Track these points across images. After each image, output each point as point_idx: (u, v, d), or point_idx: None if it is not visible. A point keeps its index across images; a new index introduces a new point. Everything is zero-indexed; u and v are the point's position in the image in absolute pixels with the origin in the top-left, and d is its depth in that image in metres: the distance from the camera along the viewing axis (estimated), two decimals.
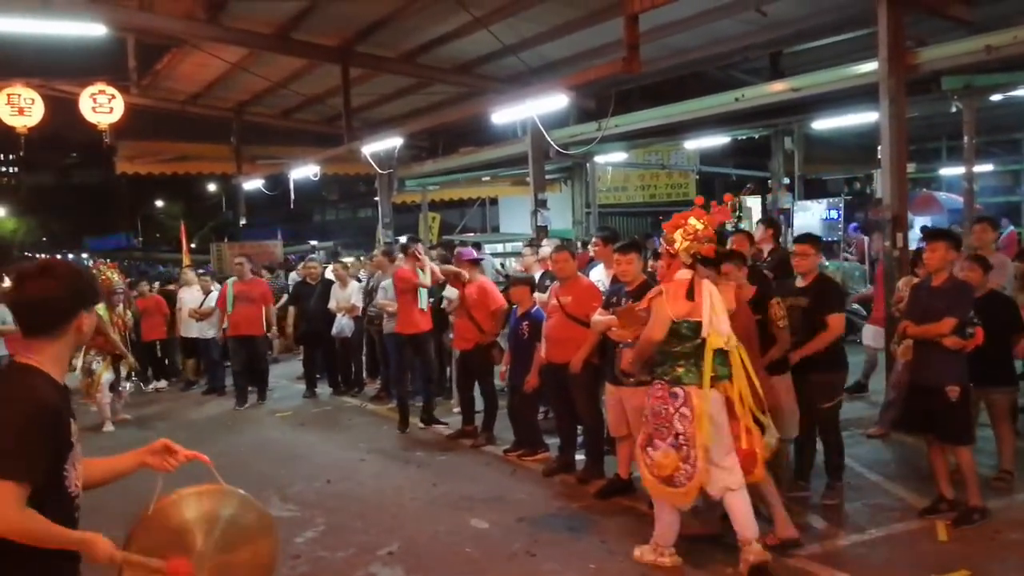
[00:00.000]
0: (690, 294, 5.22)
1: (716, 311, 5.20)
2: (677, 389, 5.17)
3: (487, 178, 22.98)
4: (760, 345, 5.95)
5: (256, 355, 11.85)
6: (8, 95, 14.77)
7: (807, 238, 6.84)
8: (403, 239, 12.34)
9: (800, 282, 6.46)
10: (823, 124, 15.80)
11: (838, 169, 22.40)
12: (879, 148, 9.43)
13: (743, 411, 5.12)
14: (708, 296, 5.24)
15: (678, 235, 5.45)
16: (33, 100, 14.89)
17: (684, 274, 5.34)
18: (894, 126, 8.91)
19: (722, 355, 5.16)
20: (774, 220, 10.51)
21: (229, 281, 12.16)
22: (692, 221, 5.48)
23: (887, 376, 8.53)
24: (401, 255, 10.06)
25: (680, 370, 5.21)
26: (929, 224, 16.56)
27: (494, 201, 28.24)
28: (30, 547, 2.52)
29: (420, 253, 9.40)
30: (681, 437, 5.10)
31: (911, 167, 12.06)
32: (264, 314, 11.76)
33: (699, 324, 5.18)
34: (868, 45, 10.37)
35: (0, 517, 2.40)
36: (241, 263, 12.13)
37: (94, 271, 11.65)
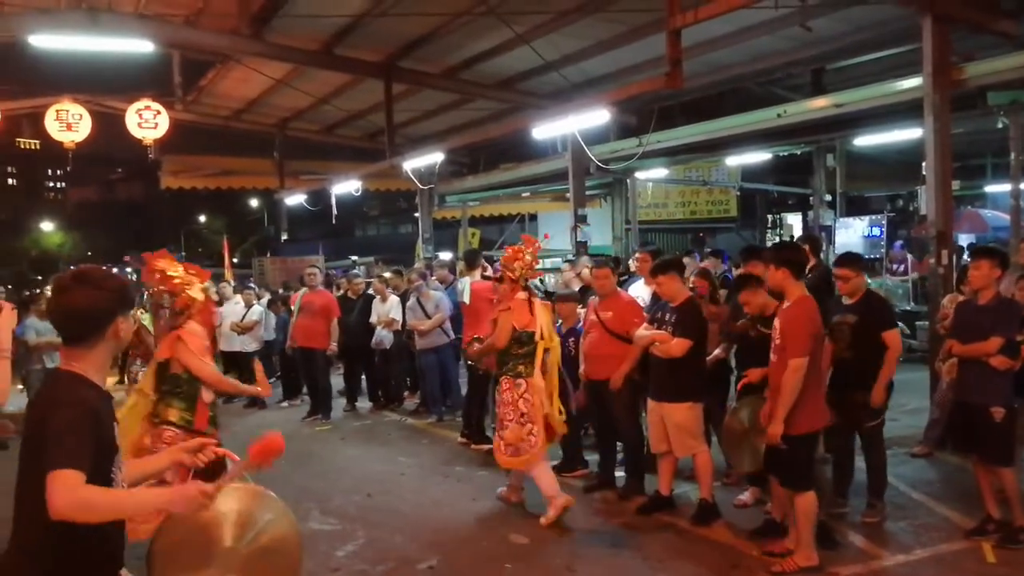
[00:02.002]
0: (530, 310, 6.79)
1: (545, 321, 6.85)
2: (520, 380, 6.67)
3: (527, 194, 23.00)
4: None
5: (314, 368, 11.79)
6: (57, 111, 15.08)
7: (847, 261, 6.52)
8: (444, 255, 12.38)
9: (847, 300, 6.34)
10: (866, 140, 15.66)
11: (880, 186, 22.14)
12: (923, 165, 9.34)
13: (555, 397, 6.74)
14: (540, 310, 6.88)
15: (517, 265, 6.90)
16: (81, 116, 15.19)
17: (522, 295, 6.86)
18: (939, 142, 8.81)
19: (546, 353, 6.74)
20: (812, 236, 10.41)
21: (300, 291, 12.24)
22: (527, 254, 6.98)
23: (931, 394, 8.41)
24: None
25: (521, 367, 6.70)
26: (974, 242, 16.37)
27: (533, 217, 28.25)
28: (72, 556, 2.58)
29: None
30: (525, 416, 6.62)
31: (956, 184, 11.93)
32: (328, 327, 11.54)
33: (534, 333, 6.73)
34: (911, 61, 10.30)
35: (63, 498, 2.42)
36: (313, 273, 12.08)
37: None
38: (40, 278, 44.52)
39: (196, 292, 5.79)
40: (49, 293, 3.30)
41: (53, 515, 2.41)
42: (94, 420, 2.62)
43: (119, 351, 2.87)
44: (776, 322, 5.40)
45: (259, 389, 6.65)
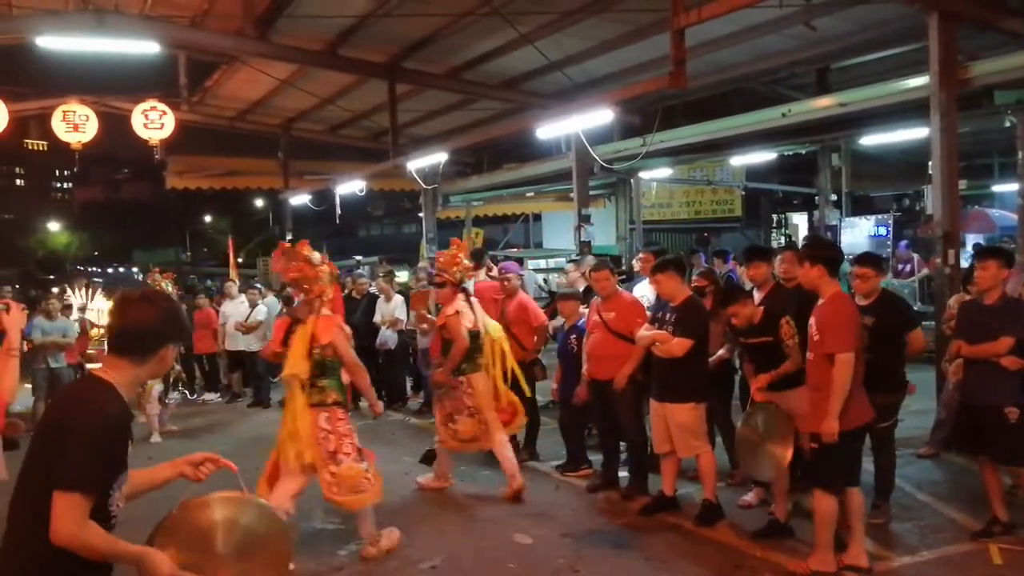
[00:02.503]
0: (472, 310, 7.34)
1: (482, 317, 7.48)
2: (461, 378, 7.26)
3: (531, 194, 23.01)
4: (776, 361, 5.87)
5: None
6: (64, 112, 15.12)
7: (867, 260, 6.47)
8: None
9: (862, 300, 6.28)
10: (871, 140, 15.61)
11: (886, 185, 22.09)
12: (929, 164, 9.30)
13: (503, 386, 7.43)
14: (478, 309, 7.50)
15: (456, 269, 7.36)
16: (87, 117, 15.23)
17: (461, 296, 7.39)
18: (945, 141, 8.78)
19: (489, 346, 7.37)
20: (819, 236, 10.33)
21: None
22: (463, 257, 7.49)
23: (938, 395, 8.38)
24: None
25: (464, 365, 7.22)
26: (982, 242, 16.31)
27: (537, 217, 28.28)
28: (63, 566, 2.58)
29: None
30: (471, 409, 7.28)
31: (962, 183, 11.88)
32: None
33: (479, 331, 7.30)
34: (917, 60, 10.27)
35: (68, 529, 2.47)
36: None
37: (148, 280, 11.78)
38: (52, 277, 44.60)
39: (328, 281, 6.17)
40: (111, 302, 3.35)
41: (53, 539, 2.48)
42: (113, 437, 2.65)
43: (157, 377, 2.94)
44: (812, 320, 5.29)
45: (378, 407, 6.65)
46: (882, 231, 16.40)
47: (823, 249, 5.64)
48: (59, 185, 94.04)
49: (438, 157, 15.80)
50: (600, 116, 11.39)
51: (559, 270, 16.84)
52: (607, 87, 13.45)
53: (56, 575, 2.60)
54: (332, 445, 5.95)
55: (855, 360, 5.13)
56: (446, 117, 17.92)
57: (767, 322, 5.99)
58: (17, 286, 18.26)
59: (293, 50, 13.67)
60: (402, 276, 15.92)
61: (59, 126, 15.13)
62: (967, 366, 5.97)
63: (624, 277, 9.52)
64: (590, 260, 9.94)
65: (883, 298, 6.29)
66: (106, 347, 2.87)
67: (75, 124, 15.22)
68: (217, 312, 13.82)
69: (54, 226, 69.87)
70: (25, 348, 11.21)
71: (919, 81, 9.86)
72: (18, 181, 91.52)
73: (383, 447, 9.20)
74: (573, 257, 10.67)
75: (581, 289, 9.05)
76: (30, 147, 79.75)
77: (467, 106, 16.96)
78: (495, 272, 9.68)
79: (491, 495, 7.50)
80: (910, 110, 11.35)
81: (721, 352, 6.93)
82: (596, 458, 7.97)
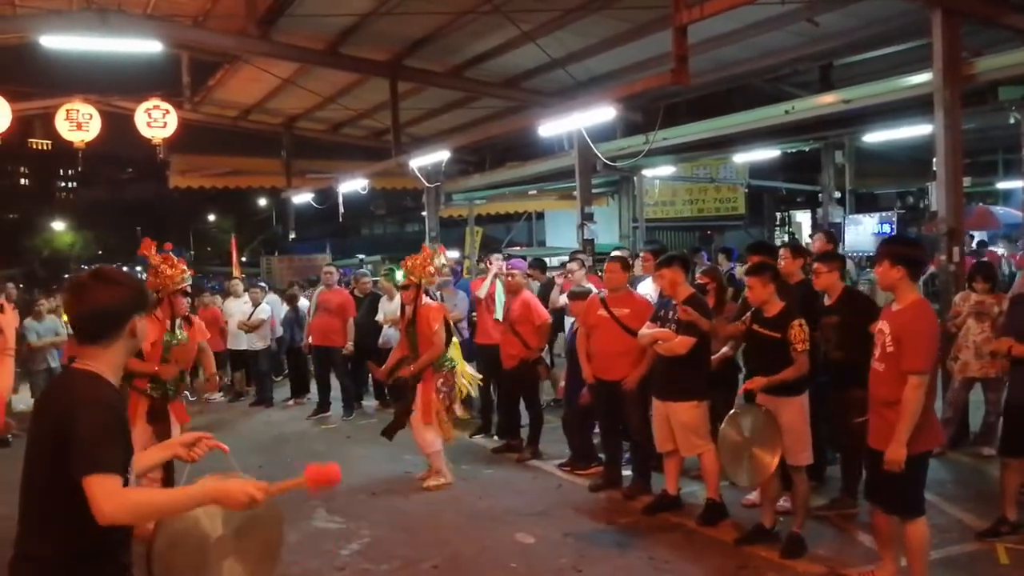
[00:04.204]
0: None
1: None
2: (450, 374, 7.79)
3: (534, 192, 22.98)
4: (776, 362, 5.66)
5: (332, 366, 11.81)
6: (67, 110, 15.13)
7: (823, 256, 6.54)
8: (451, 253, 12.37)
9: (827, 300, 6.22)
10: (875, 137, 15.59)
11: (890, 183, 22.08)
12: (934, 161, 9.26)
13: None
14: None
15: (426, 273, 7.82)
16: (91, 116, 15.23)
17: (427, 299, 7.91)
18: (949, 138, 8.74)
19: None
20: (829, 231, 10.20)
21: (317, 289, 12.27)
22: (434, 261, 8.08)
23: (943, 394, 8.34)
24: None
25: (443, 363, 7.74)
26: (985, 239, 16.26)
27: (540, 215, 28.25)
28: (85, 566, 2.58)
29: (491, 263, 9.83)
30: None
31: (967, 180, 11.83)
32: (344, 326, 11.60)
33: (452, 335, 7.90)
34: (921, 56, 10.23)
35: (109, 504, 2.43)
36: (330, 271, 12.16)
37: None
38: (66, 275, 44.52)
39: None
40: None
41: (101, 520, 2.43)
42: (115, 419, 2.62)
43: (135, 351, 2.87)
44: (885, 326, 4.80)
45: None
46: (886, 228, 16.36)
47: (906, 248, 5.00)
48: (63, 184, 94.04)
49: (440, 155, 15.77)
50: (602, 113, 11.35)
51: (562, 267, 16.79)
52: (609, 84, 13.41)
53: (76, 573, 2.61)
54: None
55: (931, 377, 4.69)
56: (448, 115, 17.91)
57: (781, 319, 5.71)
58: (20, 285, 18.23)
59: (295, 49, 13.66)
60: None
61: (63, 125, 15.12)
62: (1015, 367, 5.84)
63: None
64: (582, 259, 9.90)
65: (845, 296, 6.26)
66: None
67: (78, 123, 15.21)
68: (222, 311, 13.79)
69: (58, 225, 69.94)
70: (26, 350, 11.31)
71: (923, 78, 9.82)
72: (22, 180, 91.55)
73: (384, 446, 9.18)
74: (579, 255, 10.57)
75: (588, 286, 9.01)
76: (34, 146, 79.77)
77: (469, 104, 16.95)
78: (493, 267, 9.68)
79: (493, 494, 7.49)
80: (914, 107, 11.32)
81: (725, 350, 6.88)
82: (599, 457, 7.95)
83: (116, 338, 2.72)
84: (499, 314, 9.36)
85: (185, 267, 7.19)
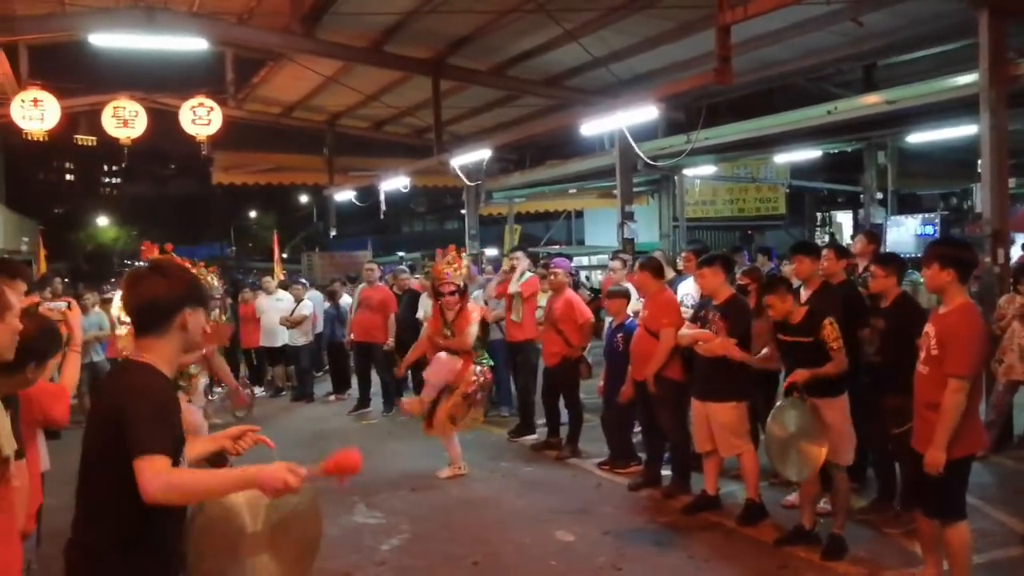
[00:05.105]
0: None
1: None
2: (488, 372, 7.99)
3: (574, 190, 22.97)
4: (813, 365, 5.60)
5: (373, 363, 11.88)
6: (114, 108, 15.35)
7: (882, 260, 6.32)
8: (489, 251, 12.39)
9: (883, 303, 6.14)
10: (919, 137, 15.40)
11: (933, 184, 21.78)
12: (978, 162, 9.16)
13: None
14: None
15: (458, 275, 8.00)
16: (137, 113, 15.44)
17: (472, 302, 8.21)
18: (995, 139, 8.64)
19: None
20: (872, 231, 10.08)
21: (359, 286, 12.41)
22: (460, 262, 8.14)
23: (987, 396, 8.26)
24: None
25: (480, 358, 7.97)
26: None
27: (580, 214, 28.24)
28: (138, 547, 2.65)
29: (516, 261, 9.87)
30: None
31: (1012, 182, 11.69)
32: (386, 322, 11.66)
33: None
34: (966, 56, 10.13)
35: (155, 483, 2.47)
36: (371, 268, 12.25)
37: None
38: (123, 270, 45.05)
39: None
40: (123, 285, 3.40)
41: (146, 500, 2.46)
42: (167, 406, 2.69)
43: (190, 346, 2.91)
44: (930, 329, 4.72)
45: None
46: (929, 230, 16.13)
47: (957, 250, 4.86)
48: (107, 180, 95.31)
49: (481, 154, 15.83)
50: (644, 113, 11.36)
51: (602, 267, 16.81)
52: (651, 83, 13.38)
53: (127, 560, 2.66)
54: None
55: (975, 381, 4.63)
56: (490, 114, 17.95)
57: (808, 322, 5.67)
58: (66, 280, 18.56)
59: (339, 47, 13.77)
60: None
61: (109, 122, 15.35)
62: None
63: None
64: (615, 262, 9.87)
65: (898, 301, 6.04)
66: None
67: (125, 120, 15.42)
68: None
69: (103, 220, 70.88)
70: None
71: (968, 78, 9.72)
72: (68, 176, 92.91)
73: (424, 442, 9.26)
74: (622, 255, 10.54)
75: (627, 285, 9.02)
76: (80, 143, 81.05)
77: (511, 103, 16.98)
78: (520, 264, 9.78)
79: (533, 492, 7.54)
80: (959, 107, 11.20)
81: (765, 351, 6.86)
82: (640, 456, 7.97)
83: (167, 330, 2.77)
84: (516, 315, 9.51)
85: (190, 265, 7.19)
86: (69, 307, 4.02)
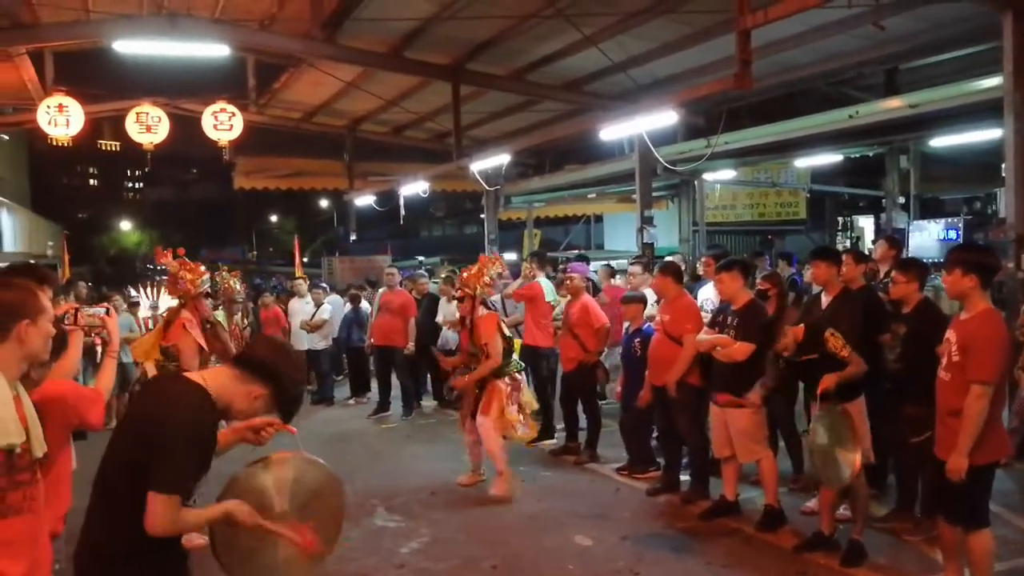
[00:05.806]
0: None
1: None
2: (517, 376, 7.74)
3: (593, 195, 22.97)
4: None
5: (393, 366, 11.90)
6: (137, 113, 15.52)
7: (902, 265, 6.24)
8: (509, 256, 12.47)
9: (904, 308, 6.08)
10: (942, 141, 15.30)
11: (956, 188, 21.62)
12: (1003, 166, 9.09)
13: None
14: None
15: (481, 283, 7.74)
16: (160, 118, 15.60)
17: (483, 309, 7.71)
18: (1019, 142, 8.56)
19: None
20: (893, 236, 10.00)
21: (379, 290, 12.48)
22: (488, 272, 7.83)
23: (1010, 403, 8.19)
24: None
25: (507, 367, 7.60)
26: None
27: (599, 218, 28.20)
28: (149, 552, 2.72)
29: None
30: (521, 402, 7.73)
31: None
32: (406, 326, 11.70)
33: (511, 338, 7.84)
34: (989, 60, 10.06)
35: (164, 525, 2.68)
36: (392, 273, 12.34)
37: (216, 278, 11.99)
38: (133, 274, 45.33)
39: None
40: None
41: (149, 531, 2.65)
42: (206, 440, 2.83)
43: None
44: (952, 335, 4.69)
45: None
46: (952, 235, 16.01)
47: (980, 256, 4.80)
48: (130, 185, 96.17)
49: (501, 158, 15.86)
50: (664, 117, 11.33)
51: (621, 272, 16.77)
52: (671, 88, 13.36)
53: (139, 557, 2.73)
54: None
55: (998, 388, 4.57)
56: (509, 118, 17.97)
57: (808, 338, 5.66)
58: (89, 283, 18.74)
59: (359, 52, 13.82)
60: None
61: (132, 127, 15.51)
62: None
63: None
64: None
65: (920, 307, 5.95)
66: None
67: (148, 126, 15.58)
68: (284, 311, 13.88)
69: (126, 225, 71.54)
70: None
71: (992, 82, 9.66)
72: (92, 181, 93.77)
73: (444, 446, 9.31)
74: (638, 258, 10.53)
75: (646, 291, 9.02)
76: (103, 148, 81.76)
77: (530, 107, 16.98)
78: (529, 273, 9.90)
79: (551, 496, 7.54)
80: (982, 111, 11.13)
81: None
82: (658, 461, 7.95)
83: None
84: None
85: (203, 269, 7.22)
86: (108, 313, 4.07)
